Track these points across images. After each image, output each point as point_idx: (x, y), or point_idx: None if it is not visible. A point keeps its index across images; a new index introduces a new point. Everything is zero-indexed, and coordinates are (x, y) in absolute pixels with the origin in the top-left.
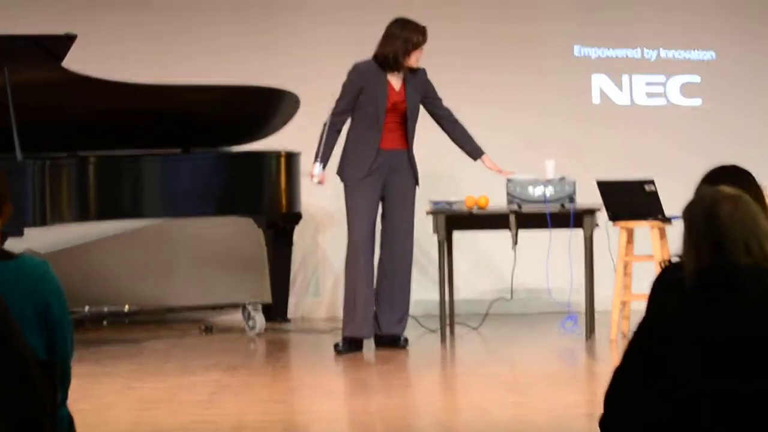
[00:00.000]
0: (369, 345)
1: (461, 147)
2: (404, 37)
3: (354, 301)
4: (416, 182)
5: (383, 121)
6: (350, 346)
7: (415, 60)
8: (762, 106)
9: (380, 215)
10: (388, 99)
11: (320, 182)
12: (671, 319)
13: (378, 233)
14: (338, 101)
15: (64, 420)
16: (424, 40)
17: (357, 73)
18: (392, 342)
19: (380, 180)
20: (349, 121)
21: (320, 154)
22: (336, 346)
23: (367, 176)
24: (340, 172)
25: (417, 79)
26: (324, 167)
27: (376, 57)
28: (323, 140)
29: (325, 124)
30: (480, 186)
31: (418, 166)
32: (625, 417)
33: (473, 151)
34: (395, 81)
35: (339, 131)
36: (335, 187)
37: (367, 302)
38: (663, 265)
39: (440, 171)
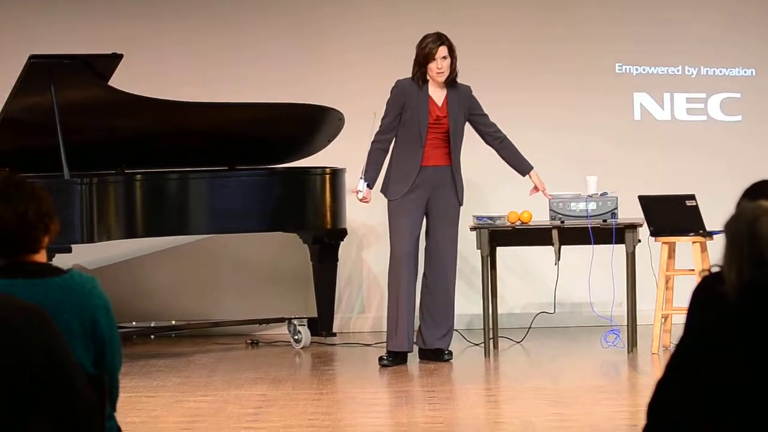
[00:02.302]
0: (413, 358)
1: (509, 163)
2: (418, 51)
3: (396, 316)
4: (459, 200)
5: (426, 137)
6: (394, 359)
7: (435, 70)
8: None
9: (424, 231)
10: (430, 114)
11: (364, 200)
12: (712, 332)
13: (422, 249)
14: (383, 119)
15: None
16: (435, 48)
17: (398, 89)
18: (436, 355)
19: (423, 196)
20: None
21: (365, 172)
22: (381, 359)
23: (410, 192)
24: (384, 188)
25: (460, 94)
26: (369, 186)
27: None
28: (368, 158)
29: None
30: (523, 201)
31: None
32: (668, 428)
33: (521, 166)
34: (438, 96)
35: (385, 150)
36: (380, 204)
37: (409, 316)
38: (703, 275)
39: (483, 186)
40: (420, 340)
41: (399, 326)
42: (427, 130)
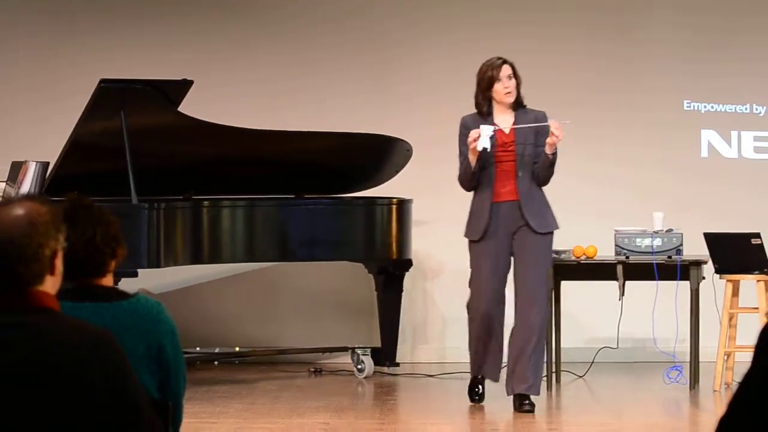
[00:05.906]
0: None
1: (538, 171)
2: (480, 77)
3: (475, 345)
4: (535, 230)
5: (495, 169)
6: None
7: (503, 90)
8: None
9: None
10: (496, 141)
11: (474, 136)
12: None
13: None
14: (460, 158)
15: None
16: (498, 72)
17: (463, 126)
18: (518, 400)
19: (505, 236)
20: None
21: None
22: (472, 395)
23: (486, 232)
24: (466, 231)
25: (530, 118)
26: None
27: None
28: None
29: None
30: (588, 236)
31: None
32: None
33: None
34: (504, 123)
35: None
36: (446, 236)
37: (490, 347)
38: None
39: None
40: (509, 388)
41: (486, 354)
42: (495, 159)
